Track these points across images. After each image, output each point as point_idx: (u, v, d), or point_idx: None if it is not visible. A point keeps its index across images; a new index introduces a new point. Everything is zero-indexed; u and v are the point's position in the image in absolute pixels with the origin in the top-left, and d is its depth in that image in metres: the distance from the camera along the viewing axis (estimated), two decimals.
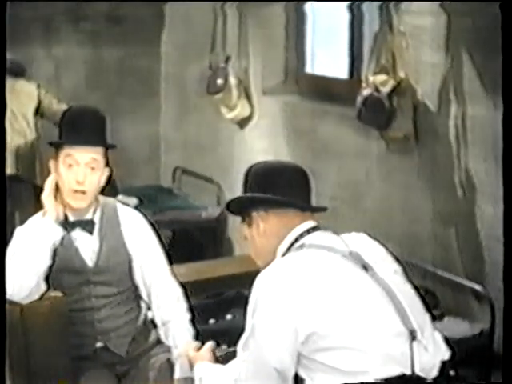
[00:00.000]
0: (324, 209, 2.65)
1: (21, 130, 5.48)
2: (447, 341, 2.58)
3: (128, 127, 6.36)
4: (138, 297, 3.39)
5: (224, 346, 2.79)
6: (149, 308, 3.40)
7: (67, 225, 3.22)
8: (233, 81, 5.63)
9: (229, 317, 4.58)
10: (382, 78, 4.38)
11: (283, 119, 5.44)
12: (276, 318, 2.38)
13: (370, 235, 2.66)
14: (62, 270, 3.21)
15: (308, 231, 2.55)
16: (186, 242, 5.94)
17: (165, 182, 6.69)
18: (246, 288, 2.75)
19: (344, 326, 2.37)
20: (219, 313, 4.54)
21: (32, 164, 5.62)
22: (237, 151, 5.81)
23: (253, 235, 2.61)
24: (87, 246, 3.27)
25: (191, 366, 2.67)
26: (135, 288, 3.36)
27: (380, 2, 4.47)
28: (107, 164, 3.27)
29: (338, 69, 5.24)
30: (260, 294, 2.43)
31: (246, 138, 5.77)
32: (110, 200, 3.40)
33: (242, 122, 5.76)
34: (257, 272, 2.49)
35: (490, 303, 4.04)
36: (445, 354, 2.53)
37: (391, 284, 2.48)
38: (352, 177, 4.90)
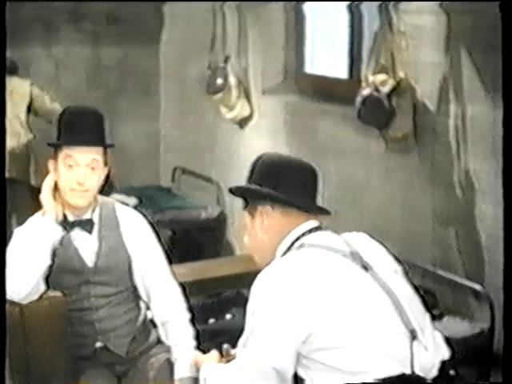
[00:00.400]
0: (328, 212, 2.64)
1: (14, 131, 5.44)
2: (447, 340, 2.58)
3: (127, 127, 6.36)
4: (138, 297, 3.38)
5: (225, 345, 2.78)
6: (148, 308, 3.40)
7: (66, 224, 3.21)
8: (232, 81, 5.63)
9: (228, 316, 4.58)
10: (381, 77, 4.38)
11: (283, 119, 5.44)
12: (276, 317, 2.38)
13: (369, 235, 2.66)
14: (62, 269, 3.21)
15: (310, 231, 2.55)
16: (186, 241, 5.94)
17: (164, 182, 6.69)
18: (246, 288, 2.75)
19: (344, 326, 2.37)
20: (219, 312, 4.55)
21: (26, 165, 5.61)
22: (236, 151, 5.81)
23: (255, 228, 2.59)
24: (86, 246, 3.27)
25: (197, 367, 2.66)
26: (135, 288, 3.36)
27: (379, 2, 4.47)
28: (105, 163, 3.27)
29: (338, 68, 5.23)
30: (260, 293, 2.43)
31: (245, 138, 5.77)
32: (109, 200, 3.40)
33: (242, 122, 5.76)
34: (257, 272, 2.49)
35: (489, 303, 4.04)
36: (445, 353, 2.54)
37: (391, 284, 2.48)
38: (352, 176, 4.90)
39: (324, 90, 5.24)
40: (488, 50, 3.83)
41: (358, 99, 4.47)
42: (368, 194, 4.82)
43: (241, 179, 2.71)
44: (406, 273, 2.62)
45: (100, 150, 3.24)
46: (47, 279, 3.18)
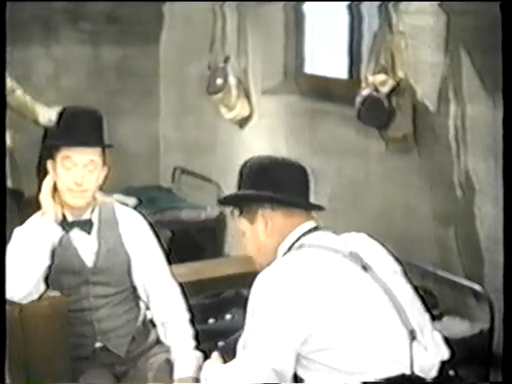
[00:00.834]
0: (322, 208, 2.64)
1: None
2: (446, 341, 2.58)
3: (127, 127, 6.35)
4: (137, 297, 3.38)
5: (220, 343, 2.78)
6: (148, 308, 3.40)
7: (65, 225, 3.21)
8: (232, 81, 5.62)
9: (228, 317, 4.58)
10: (381, 77, 4.38)
11: (283, 119, 5.44)
12: (276, 318, 2.38)
13: (369, 235, 2.66)
14: (61, 270, 3.21)
15: (309, 231, 2.55)
16: (186, 242, 5.93)
17: (164, 182, 6.68)
18: (246, 288, 2.75)
19: (343, 326, 2.37)
20: (218, 313, 4.54)
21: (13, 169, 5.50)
22: (236, 151, 5.80)
23: (257, 232, 2.59)
24: (86, 246, 3.27)
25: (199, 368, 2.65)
26: (134, 288, 3.36)
27: (379, 2, 4.47)
28: (104, 163, 3.27)
29: (338, 69, 5.23)
30: (260, 294, 2.43)
31: (245, 138, 5.77)
32: (108, 200, 3.40)
33: (242, 122, 5.76)
34: (256, 272, 2.49)
35: (489, 303, 4.04)
36: (444, 353, 2.54)
37: (391, 284, 2.48)
38: (351, 176, 4.90)
39: (324, 90, 5.24)
40: (488, 50, 3.83)
41: (358, 99, 4.47)
42: (368, 194, 4.82)
43: None
44: (406, 273, 2.63)
45: (98, 150, 3.24)
46: (47, 279, 3.18)
